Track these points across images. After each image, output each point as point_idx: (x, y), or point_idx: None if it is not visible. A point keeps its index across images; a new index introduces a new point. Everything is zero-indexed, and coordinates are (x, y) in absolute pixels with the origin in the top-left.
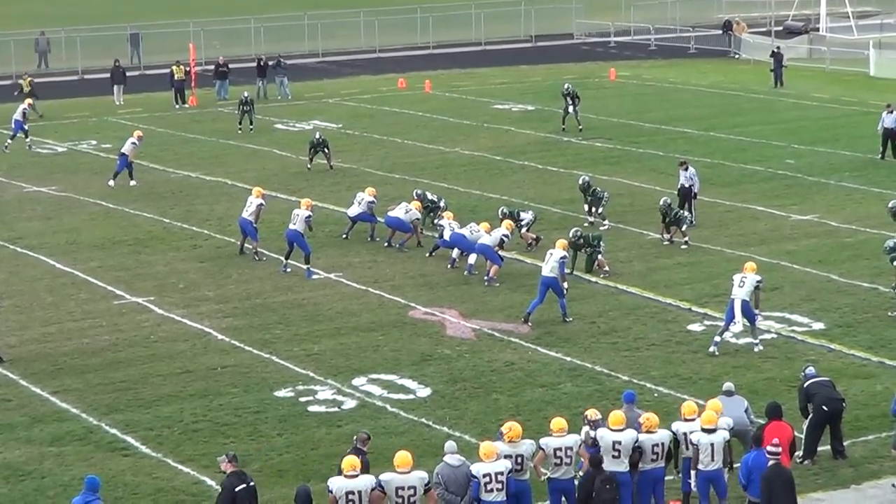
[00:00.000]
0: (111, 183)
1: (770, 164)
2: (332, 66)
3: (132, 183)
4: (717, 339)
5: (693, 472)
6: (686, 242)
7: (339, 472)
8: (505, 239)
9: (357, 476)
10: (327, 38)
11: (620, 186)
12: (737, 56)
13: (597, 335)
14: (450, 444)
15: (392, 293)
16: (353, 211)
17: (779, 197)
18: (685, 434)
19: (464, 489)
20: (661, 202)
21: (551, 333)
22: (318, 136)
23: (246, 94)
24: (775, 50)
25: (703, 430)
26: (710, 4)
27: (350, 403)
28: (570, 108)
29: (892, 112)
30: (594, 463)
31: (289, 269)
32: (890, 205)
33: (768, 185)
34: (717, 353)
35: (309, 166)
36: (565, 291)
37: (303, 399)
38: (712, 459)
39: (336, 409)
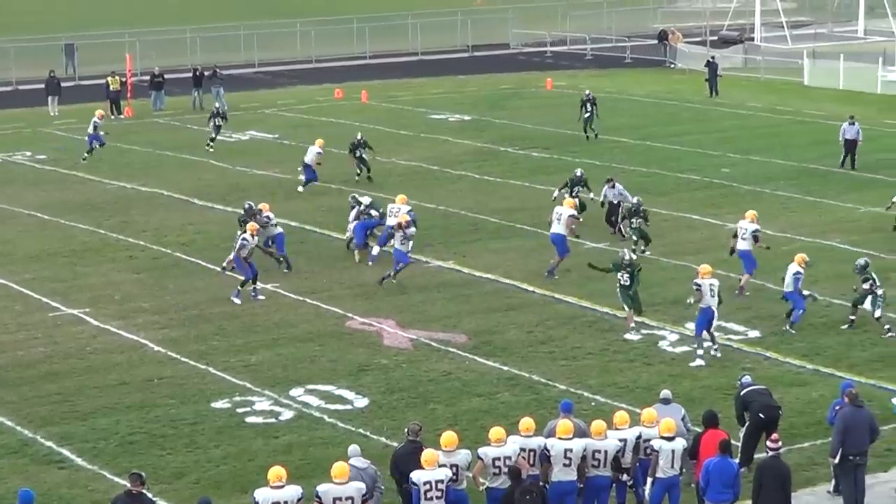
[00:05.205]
0: (84, 160)
1: (706, 172)
2: (268, 77)
3: (85, 156)
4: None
5: (650, 480)
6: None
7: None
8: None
9: (283, 486)
10: (263, 49)
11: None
12: (672, 66)
13: (534, 344)
14: (353, 448)
15: (329, 303)
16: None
17: (714, 206)
18: (646, 441)
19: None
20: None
21: (488, 343)
22: (359, 136)
23: (217, 107)
24: (710, 59)
25: (663, 437)
26: (645, 14)
27: (287, 414)
28: (587, 115)
29: (853, 124)
30: (513, 475)
31: (261, 297)
32: (857, 262)
33: (704, 194)
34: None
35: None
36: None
37: (240, 410)
38: (672, 466)
39: (273, 420)
